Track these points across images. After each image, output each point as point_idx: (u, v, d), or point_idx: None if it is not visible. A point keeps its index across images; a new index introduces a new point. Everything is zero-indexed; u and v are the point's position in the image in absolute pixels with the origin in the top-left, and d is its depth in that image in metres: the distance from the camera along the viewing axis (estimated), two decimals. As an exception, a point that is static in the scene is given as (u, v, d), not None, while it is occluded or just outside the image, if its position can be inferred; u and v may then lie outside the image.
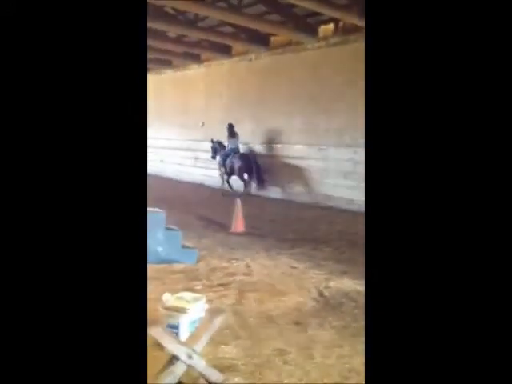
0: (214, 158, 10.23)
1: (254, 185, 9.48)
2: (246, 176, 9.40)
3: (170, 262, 4.30)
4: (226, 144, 9.97)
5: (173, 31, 9.71)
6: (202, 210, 7.73)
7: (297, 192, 9.28)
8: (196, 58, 11.53)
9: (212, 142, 10.26)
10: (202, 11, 7.84)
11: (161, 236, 4.34)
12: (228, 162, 9.57)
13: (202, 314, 2.66)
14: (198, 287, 3.75)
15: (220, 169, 9.94)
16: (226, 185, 9.86)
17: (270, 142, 9.91)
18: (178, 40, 10.52)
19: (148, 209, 4.44)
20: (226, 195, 9.17)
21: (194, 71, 12.09)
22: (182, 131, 12.61)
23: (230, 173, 9.60)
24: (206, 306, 2.84)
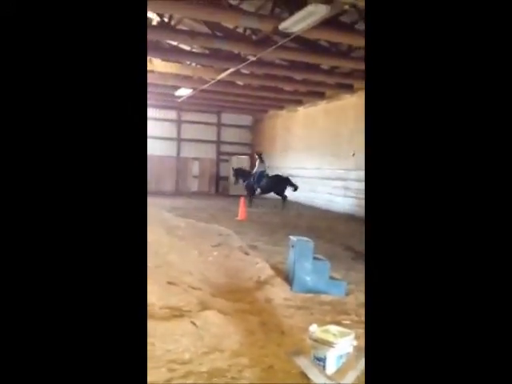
0: (236, 182, 13.28)
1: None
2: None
3: (317, 291, 4.27)
4: (247, 169, 13.46)
5: (325, 63, 9.95)
6: (351, 241, 7.56)
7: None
8: (349, 88, 11.58)
9: (233, 169, 13.45)
10: (356, 42, 7.87)
11: (309, 265, 4.35)
12: (260, 182, 12.36)
13: (350, 350, 2.56)
14: (346, 322, 3.62)
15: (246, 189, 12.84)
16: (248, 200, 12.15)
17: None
18: (331, 71, 10.72)
19: (297, 237, 4.56)
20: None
21: (346, 101, 12.14)
22: (333, 160, 12.65)
23: (262, 191, 12.54)
24: (355, 343, 2.72)
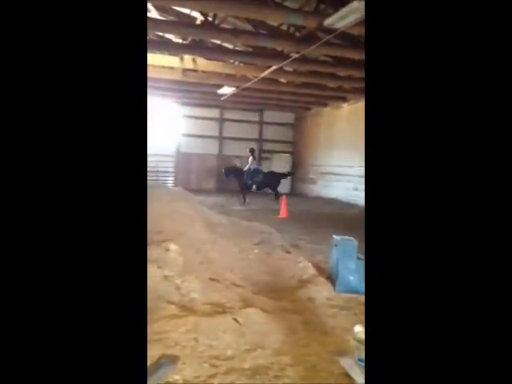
0: (228, 178, 13.16)
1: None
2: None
3: (361, 292, 4.19)
4: (238, 167, 13.01)
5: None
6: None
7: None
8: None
9: (224, 169, 13.20)
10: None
11: (352, 265, 4.27)
12: (256, 178, 12.46)
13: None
14: (391, 323, 3.53)
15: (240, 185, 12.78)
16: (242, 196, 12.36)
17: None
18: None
19: (341, 236, 4.48)
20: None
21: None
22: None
23: (257, 187, 12.61)
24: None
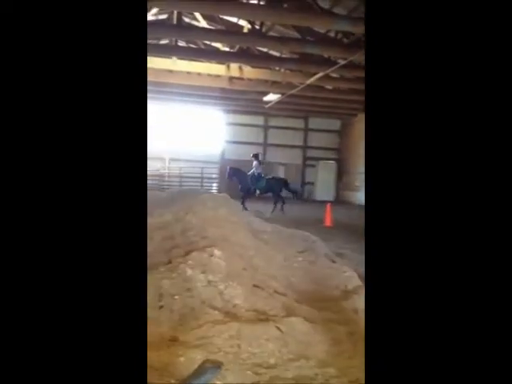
0: (230, 179, 12.97)
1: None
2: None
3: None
4: (242, 170, 12.81)
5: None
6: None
7: None
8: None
9: (229, 168, 13.02)
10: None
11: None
12: (259, 183, 12.38)
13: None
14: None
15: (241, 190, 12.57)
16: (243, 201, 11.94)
17: None
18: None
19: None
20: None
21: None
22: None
23: (260, 192, 12.54)
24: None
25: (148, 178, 15.15)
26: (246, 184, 12.56)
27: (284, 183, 13.03)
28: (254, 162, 12.85)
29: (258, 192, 12.65)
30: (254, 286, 3.94)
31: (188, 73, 10.94)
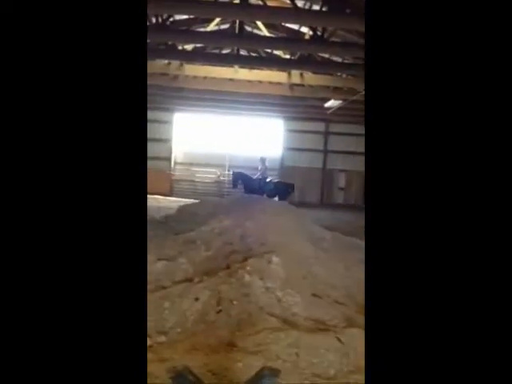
0: (234, 184, 12.57)
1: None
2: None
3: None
4: (247, 174, 12.62)
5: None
6: None
7: None
8: None
9: (232, 173, 12.83)
10: None
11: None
12: (267, 187, 12.08)
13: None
14: None
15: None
16: None
17: None
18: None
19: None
20: None
21: None
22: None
23: (268, 196, 11.84)
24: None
25: (208, 184, 15.54)
26: (251, 188, 12.27)
27: (291, 187, 12.71)
28: (260, 166, 12.62)
29: (265, 196, 12.15)
30: (313, 294, 3.88)
31: (249, 81, 11.09)
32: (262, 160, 12.81)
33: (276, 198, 12.12)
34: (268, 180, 12.59)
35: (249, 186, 12.45)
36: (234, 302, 3.41)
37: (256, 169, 13.27)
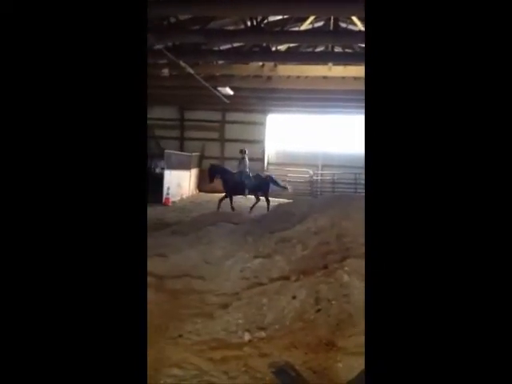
0: (211, 182, 11.05)
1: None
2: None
3: None
4: (226, 167, 11.66)
5: None
6: None
7: None
8: None
9: (210, 165, 11.48)
10: None
11: None
12: (248, 182, 10.85)
13: None
14: None
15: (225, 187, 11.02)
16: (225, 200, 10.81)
17: None
18: None
19: None
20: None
21: None
22: None
23: (249, 191, 10.91)
24: None
25: (300, 183, 15.52)
26: (232, 183, 10.86)
27: (271, 180, 11.27)
28: (241, 159, 11.27)
29: (247, 191, 10.94)
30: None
31: (343, 77, 10.87)
32: (243, 152, 11.49)
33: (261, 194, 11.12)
34: (248, 174, 11.13)
35: (228, 181, 11.00)
36: (333, 302, 3.37)
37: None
